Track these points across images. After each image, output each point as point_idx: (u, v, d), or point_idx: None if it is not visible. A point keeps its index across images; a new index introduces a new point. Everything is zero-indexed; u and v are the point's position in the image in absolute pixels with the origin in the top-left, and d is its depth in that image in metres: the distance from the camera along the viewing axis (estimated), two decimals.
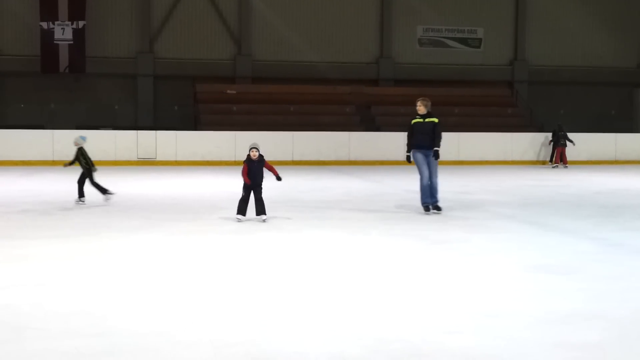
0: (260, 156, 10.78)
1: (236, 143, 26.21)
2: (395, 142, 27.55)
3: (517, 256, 8.13)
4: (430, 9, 34.26)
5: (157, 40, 32.31)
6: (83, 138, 13.65)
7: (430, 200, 11.95)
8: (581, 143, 28.08)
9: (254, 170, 10.71)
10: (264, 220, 10.63)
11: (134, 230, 10.08)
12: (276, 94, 31.22)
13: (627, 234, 9.88)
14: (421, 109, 12.08)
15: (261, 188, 10.85)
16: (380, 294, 6.33)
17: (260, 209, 10.75)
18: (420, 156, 11.97)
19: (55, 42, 30.61)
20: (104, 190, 13.32)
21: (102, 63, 31.43)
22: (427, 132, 11.92)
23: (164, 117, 31.75)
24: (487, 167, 26.30)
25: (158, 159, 25.95)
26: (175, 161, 25.90)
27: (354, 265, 7.58)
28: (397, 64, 34.11)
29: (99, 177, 13.76)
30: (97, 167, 13.54)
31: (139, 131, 26.71)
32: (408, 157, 12.23)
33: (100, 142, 25.97)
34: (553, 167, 26.09)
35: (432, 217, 11.72)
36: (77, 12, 30.75)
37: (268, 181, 11.35)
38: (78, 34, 30.78)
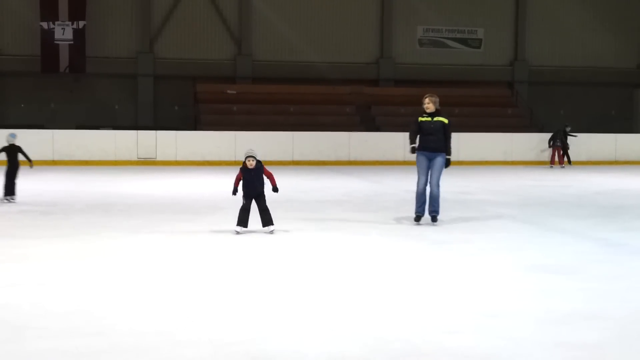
0: (258, 163, 9.60)
1: (236, 143, 26.20)
2: (395, 143, 27.59)
3: (517, 256, 8.13)
4: (431, 9, 34.24)
5: (157, 40, 32.31)
6: (12, 135, 13.94)
7: (422, 211, 10.72)
8: (581, 143, 28.09)
9: (250, 180, 9.58)
10: (271, 232, 9.56)
11: (134, 230, 10.09)
12: (276, 94, 31.21)
13: (627, 234, 9.89)
14: (429, 106, 10.69)
15: (264, 196, 9.66)
16: (380, 293, 6.34)
17: (267, 220, 9.62)
18: (422, 159, 10.67)
19: (55, 42, 30.60)
20: (9, 192, 13.35)
21: (103, 63, 31.43)
22: (435, 132, 10.58)
23: (164, 117, 31.75)
24: (487, 167, 26.30)
25: (158, 158, 25.95)
26: (176, 161, 25.90)
27: (354, 266, 7.58)
28: (397, 64, 34.11)
29: (38, 176, 13.77)
30: (34, 165, 14.16)
31: (139, 131, 26.70)
32: (413, 149, 10.72)
33: (100, 142, 25.98)
34: (550, 168, 26.16)
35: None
36: (77, 12, 30.75)
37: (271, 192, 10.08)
38: (78, 34, 30.78)
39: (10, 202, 13.34)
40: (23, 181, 18.54)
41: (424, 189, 10.66)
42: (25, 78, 31.18)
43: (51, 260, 7.76)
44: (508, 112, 32.93)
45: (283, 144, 26.80)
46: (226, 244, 8.90)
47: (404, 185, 17.90)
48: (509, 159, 28.40)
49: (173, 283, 6.68)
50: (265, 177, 9.65)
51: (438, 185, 10.64)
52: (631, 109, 36.14)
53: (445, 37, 34.67)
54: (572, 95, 35.20)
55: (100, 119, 30.94)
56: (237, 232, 9.48)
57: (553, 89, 35.02)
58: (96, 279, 6.84)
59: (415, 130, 10.72)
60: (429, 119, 10.69)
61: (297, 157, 26.93)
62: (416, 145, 10.67)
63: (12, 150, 13.73)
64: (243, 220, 9.53)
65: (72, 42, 30.69)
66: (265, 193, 9.66)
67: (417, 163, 10.79)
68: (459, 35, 34.74)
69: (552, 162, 26.86)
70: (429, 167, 10.65)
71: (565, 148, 26.98)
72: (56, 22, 30.57)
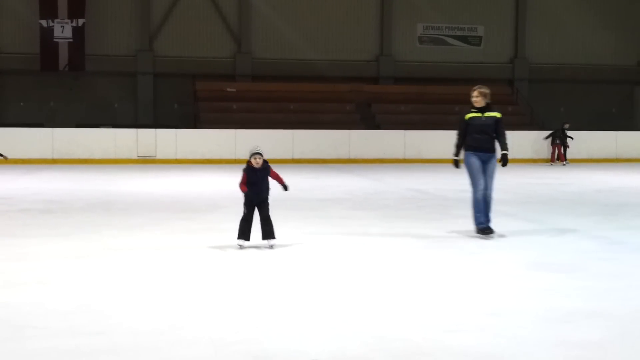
0: (265, 163, 8.40)
1: (236, 141, 26.19)
2: (395, 140, 27.59)
3: (518, 254, 8.12)
4: (430, 6, 34.23)
5: (156, 38, 32.29)
6: None
7: (488, 220, 9.34)
8: (582, 141, 28.10)
9: (256, 182, 8.34)
10: (271, 247, 8.37)
11: (134, 228, 10.08)
12: (276, 92, 31.21)
13: (628, 232, 9.87)
14: (478, 100, 9.40)
15: (268, 204, 8.41)
16: (380, 292, 6.32)
17: (268, 231, 8.36)
18: (475, 161, 9.32)
19: (54, 40, 30.59)
20: None
21: (102, 61, 31.40)
22: (487, 130, 9.36)
23: (164, 115, 31.74)
24: None
25: (158, 157, 25.94)
26: (175, 159, 25.89)
27: (354, 264, 7.57)
28: (397, 62, 34.09)
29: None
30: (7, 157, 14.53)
31: (139, 129, 26.70)
32: (456, 162, 9.58)
33: (100, 140, 25.97)
34: (550, 165, 26.16)
35: (434, 216, 11.69)
36: (76, 10, 30.73)
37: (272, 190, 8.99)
38: (78, 32, 30.76)
39: None
40: (23, 179, 18.55)
41: (483, 195, 9.27)
42: (24, 76, 31.16)
43: (51, 259, 7.75)
44: (508, 109, 32.87)
45: (283, 142, 26.79)
46: (226, 243, 8.88)
47: (405, 183, 17.89)
48: (509, 156, 28.35)
49: (173, 282, 6.67)
50: (271, 179, 8.56)
51: (491, 191, 9.46)
52: (631, 106, 36.13)
53: (445, 35, 34.65)
54: (573, 93, 35.18)
55: (99, 118, 30.93)
56: (241, 247, 8.34)
57: (553, 86, 35.01)
58: (97, 277, 6.83)
59: (462, 133, 9.41)
60: (479, 114, 9.41)
61: (297, 156, 26.92)
62: (459, 157, 9.47)
63: None
64: (245, 233, 8.37)
65: (71, 40, 30.67)
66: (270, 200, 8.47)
67: (468, 165, 9.36)
68: (459, 33, 34.72)
69: (552, 159, 26.88)
70: (483, 168, 9.38)
71: (564, 146, 27.00)
72: (55, 20, 30.55)
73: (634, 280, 6.80)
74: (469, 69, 34.34)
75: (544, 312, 5.60)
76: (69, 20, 30.61)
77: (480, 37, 34.90)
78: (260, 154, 8.40)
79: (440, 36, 34.64)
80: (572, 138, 27.62)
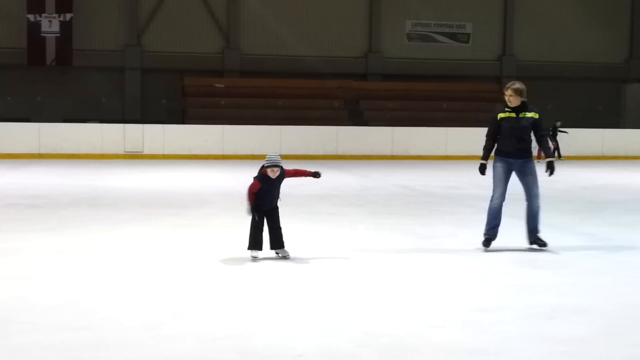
0: (282, 170, 7.62)
1: (224, 137, 26.15)
2: (383, 137, 27.62)
3: (505, 251, 8.16)
4: (419, 3, 34.26)
5: (145, 33, 32.18)
6: None
7: (494, 234, 8.34)
8: (568, 138, 28.19)
9: (269, 191, 7.58)
10: (285, 257, 7.55)
11: (121, 223, 10.05)
12: (264, 88, 31.18)
13: (614, 229, 9.94)
14: (513, 99, 8.19)
15: (278, 211, 7.69)
16: (367, 288, 6.34)
17: (277, 241, 7.58)
18: (501, 166, 8.28)
19: (42, 34, 30.41)
20: None
21: (90, 56, 31.26)
22: (522, 133, 8.18)
23: (152, 111, 31.64)
24: (475, 162, 26.25)
25: (145, 152, 25.85)
26: (163, 155, 25.81)
27: (341, 260, 7.58)
28: (386, 58, 34.12)
29: None
30: None
31: (126, 125, 26.61)
32: (483, 167, 8.42)
33: (87, 135, 25.87)
34: (538, 162, 26.23)
35: (420, 212, 11.71)
36: (64, 4, 30.56)
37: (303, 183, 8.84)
38: (65, 26, 30.59)
39: None
40: (10, 174, 18.45)
41: (500, 205, 8.28)
42: (11, 71, 30.96)
43: (37, 253, 7.72)
44: (496, 107, 32.89)
45: (271, 138, 26.75)
46: (214, 238, 8.88)
47: (392, 179, 17.93)
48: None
49: (160, 277, 6.66)
50: (291, 178, 7.82)
51: (539, 201, 8.37)
52: (619, 104, 36.31)
53: (434, 32, 34.70)
54: (560, 91, 35.31)
55: (87, 113, 30.78)
56: (254, 258, 7.45)
57: (541, 84, 35.08)
58: (83, 272, 6.81)
59: (493, 135, 8.36)
60: (513, 114, 8.22)
61: (285, 151, 26.88)
62: (487, 162, 8.35)
63: None
64: (258, 242, 7.51)
65: (58, 35, 30.51)
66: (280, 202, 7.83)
67: (493, 171, 8.36)
68: (447, 30, 34.78)
69: (539, 156, 26.95)
70: (509, 177, 8.34)
71: (556, 143, 27.11)
72: (43, 15, 30.38)
73: (618, 277, 6.85)
74: (457, 66, 34.41)
75: (529, 308, 5.64)
76: (56, 15, 30.45)
77: (468, 35, 34.97)
78: (279, 166, 7.54)
79: (428, 33, 34.69)
80: (567, 132, 27.74)
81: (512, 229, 9.95)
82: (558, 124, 27.63)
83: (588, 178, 19.04)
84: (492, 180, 8.34)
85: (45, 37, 30.43)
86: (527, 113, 8.19)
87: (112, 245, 8.30)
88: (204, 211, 11.50)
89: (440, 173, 20.26)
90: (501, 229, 9.84)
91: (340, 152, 27.17)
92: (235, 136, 26.33)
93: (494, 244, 8.32)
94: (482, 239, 8.29)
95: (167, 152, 25.95)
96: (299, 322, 5.24)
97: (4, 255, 7.62)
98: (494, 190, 8.32)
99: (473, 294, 6.12)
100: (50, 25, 30.43)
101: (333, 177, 18.25)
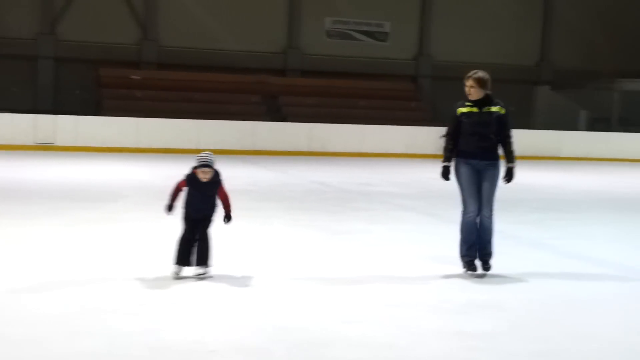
0: (216, 174, 6.57)
1: (139, 130, 25.71)
2: (301, 133, 27.68)
3: (417, 247, 8.30)
4: (339, 1, 34.48)
5: (59, 21, 31.30)
6: None
7: (474, 253, 6.94)
8: None
9: (198, 197, 6.50)
10: (199, 276, 6.38)
11: (32, 217, 9.75)
12: (182, 81, 30.81)
13: (522, 227, 10.23)
14: (474, 91, 7.06)
15: (209, 223, 6.59)
16: (280, 283, 6.35)
17: (201, 256, 6.46)
18: (467, 171, 6.92)
19: None
20: None
21: (0, 44, 30.22)
22: (485, 130, 6.93)
23: (65, 101, 30.81)
24: (390, 159, 26.70)
25: (57, 144, 25.15)
26: (76, 147, 25.18)
27: (256, 255, 7.57)
28: (305, 54, 34.20)
29: None
30: None
31: (38, 115, 25.84)
32: (446, 170, 7.00)
33: None
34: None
35: (336, 209, 11.78)
36: None
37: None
38: None
39: None
40: None
41: (474, 218, 6.92)
42: None
43: None
44: (412, 105, 33.51)
45: (188, 132, 26.45)
46: (127, 233, 8.73)
47: (309, 175, 17.99)
48: (412, 151, 28.93)
49: (70, 273, 6.51)
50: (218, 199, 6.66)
51: (491, 212, 7.01)
52: (529, 105, 37.39)
53: (353, 30, 34.99)
54: None
55: None
56: (177, 274, 6.38)
57: (456, 84, 35.58)
58: None
59: (453, 134, 7.01)
60: (475, 109, 7.02)
61: (202, 146, 26.59)
62: (450, 164, 6.99)
63: None
64: (184, 256, 6.43)
65: None
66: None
67: (458, 177, 6.95)
68: (366, 28, 35.12)
69: None
70: (478, 182, 6.95)
71: None
72: None
73: (525, 274, 7.06)
74: (375, 65, 34.78)
75: (441, 304, 5.76)
76: None
77: (386, 33, 35.39)
78: (209, 166, 6.46)
79: (347, 31, 34.95)
80: None
81: (425, 227, 10.14)
82: None
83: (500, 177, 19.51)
84: (457, 188, 6.99)
85: None
86: (491, 107, 7.00)
87: (21, 240, 8.06)
88: (118, 205, 11.29)
89: (356, 170, 20.45)
90: (414, 227, 10.00)
91: (257, 148, 27.08)
92: (151, 129, 25.90)
93: (408, 240, 8.43)
94: (463, 264, 6.90)
95: (80, 144, 25.31)
96: (211, 317, 5.21)
97: None
98: (465, 202, 6.91)
99: (386, 290, 6.20)
100: None
101: (250, 173, 18.19)
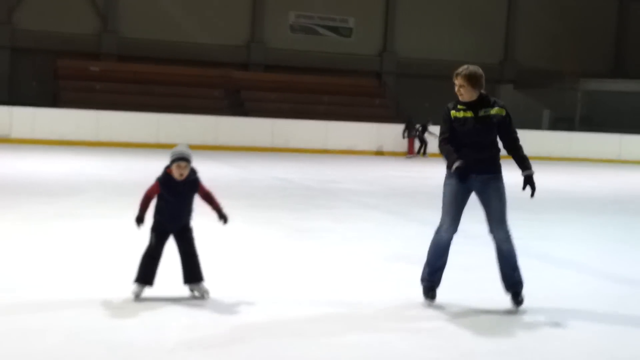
0: (192, 173, 5.67)
1: (98, 123, 25.36)
2: (263, 129, 27.55)
3: (379, 246, 8.26)
4: None
5: (16, 10, 30.74)
6: None
7: (436, 278, 5.85)
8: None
9: (173, 202, 5.56)
10: (202, 296, 5.55)
11: None
12: (142, 74, 30.48)
13: (483, 226, 10.22)
14: (465, 91, 5.77)
15: (191, 232, 5.73)
16: (239, 282, 6.27)
17: (194, 272, 5.59)
18: (454, 188, 5.70)
19: None
20: None
21: None
22: (483, 138, 5.65)
23: (21, 93, 30.28)
24: (354, 156, 26.71)
25: (13, 136, 24.71)
26: (32, 139, 24.76)
27: (215, 253, 7.47)
28: (268, 49, 34.06)
29: None
30: None
31: None
32: (462, 169, 5.54)
33: None
34: (407, 158, 26.98)
35: (298, 206, 11.70)
36: None
37: (202, 217, 6.45)
38: None
39: None
40: None
41: (449, 240, 5.89)
42: None
43: None
44: (376, 102, 33.58)
45: (148, 126, 26.18)
46: (85, 228, 8.56)
47: (272, 172, 17.90)
48: (375, 149, 28.98)
49: (26, 268, 6.36)
50: (200, 199, 5.87)
51: (507, 232, 5.83)
52: None
53: (317, 25, 34.95)
54: (438, 88, 36.25)
55: None
56: (137, 296, 5.43)
57: (420, 81, 35.99)
58: None
59: (449, 130, 5.71)
60: (470, 113, 5.71)
61: (162, 140, 26.36)
62: (460, 163, 5.49)
63: None
64: (148, 275, 5.47)
65: None
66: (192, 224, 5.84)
67: (443, 189, 5.80)
68: (330, 24, 35.11)
69: (409, 152, 27.75)
70: (464, 200, 5.80)
71: (423, 141, 27.80)
72: None
73: (486, 273, 7.05)
74: (339, 60, 34.78)
75: (401, 303, 5.73)
76: None
77: (351, 29, 35.42)
78: (187, 159, 5.52)
79: (312, 25, 34.90)
80: (435, 135, 28.45)
81: (388, 225, 10.11)
82: (429, 122, 28.26)
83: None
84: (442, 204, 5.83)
85: None
86: (489, 109, 5.71)
87: None
88: (76, 200, 11.09)
89: (319, 167, 20.41)
90: (376, 225, 9.96)
91: (219, 143, 26.89)
92: (111, 122, 25.57)
93: (370, 238, 8.37)
94: (423, 289, 5.82)
95: (37, 136, 24.90)
96: (170, 316, 5.11)
97: None
98: (441, 218, 5.83)
99: (347, 288, 6.16)
100: None
101: (211, 168, 18.03)
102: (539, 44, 37.76)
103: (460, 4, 36.77)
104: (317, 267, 7.00)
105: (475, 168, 5.61)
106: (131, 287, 5.46)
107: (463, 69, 5.80)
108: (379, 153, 28.26)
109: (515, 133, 5.75)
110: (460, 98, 5.74)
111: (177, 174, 5.47)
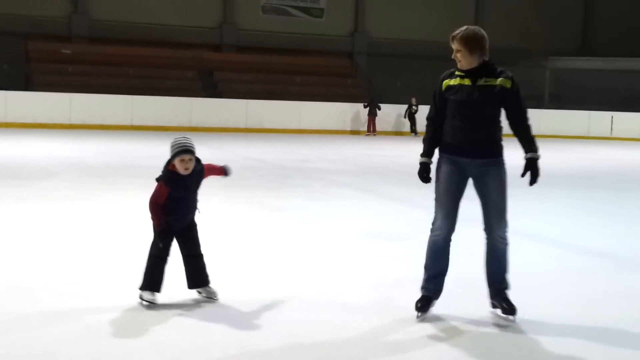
0: (197, 162, 5.14)
1: (71, 105, 25.17)
2: (237, 110, 27.53)
3: (353, 223, 8.37)
4: None
5: None
6: None
7: (435, 288, 5.02)
8: (418, 117, 29.04)
9: (182, 198, 5.00)
10: (209, 297, 5.07)
11: None
12: (115, 56, 30.23)
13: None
14: (462, 56, 4.80)
15: (195, 229, 5.17)
16: (216, 260, 6.34)
17: (197, 275, 5.07)
18: (448, 173, 4.88)
19: None
20: None
21: None
22: (479, 113, 4.75)
23: None
24: (326, 136, 26.79)
25: None
26: (5, 123, 24.55)
27: (202, 234, 7.52)
28: (240, 30, 33.91)
29: None
30: None
31: None
32: (424, 168, 4.92)
33: None
34: (366, 136, 27.54)
35: (273, 185, 11.77)
36: None
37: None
38: None
39: None
40: None
41: (446, 238, 5.00)
42: None
43: None
44: (348, 82, 33.63)
45: (122, 108, 26.06)
46: (58, 211, 8.57)
47: (246, 152, 17.94)
48: (348, 128, 29.09)
49: (1, 250, 6.37)
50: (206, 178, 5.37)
51: (506, 230, 4.89)
52: None
53: (288, 5, 34.84)
54: (409, 68, 36.40)
55: None
56: (149, 304, 4.86)
57: (391, 61, 36.05)
58: None
59: (436, 117, 4.94)
60: (466, 81, 4.80)
61: (136, 122, 26.27)
62: (430, 160, 4.96)
63: None
64: (156, 279, 4.90)
65: None
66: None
67: (436, 178, 4.93)
68: (301, 4, 35.01)
69: (368, 130, 28.27)
70: (460, 189, 4.95)
71: (413, 120, 28.44)
72: None
73: (460, 248, 7.18)
74: (310, 41, 34.73)
75: (375, 279, 5.84)
76: None
77: (322, 10, 35.35)
78: (191, 151, 4.99)
79: (283, 6, 34.78)
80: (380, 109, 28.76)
81: (362, 203, 10.22)
82: (413, 100, 28.57)
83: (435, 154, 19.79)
84: (435, 196, 4.98)
85: None
86: (490, 79, 4.75)
87: None
88: (49, 183, 11.07)
89: (292, 146, 20.47)
90: (350, 203, 10.07)
91: (193, 124, 26.85)
92: (83, 105, 25.40)
93: (344, 216, 8.47)
94: (420, 297, 4.97)
95: (9, 119, 24.70)
96: (170, 316, 5.16)
97: None
98: (435, 214, 4.98)
99: (322, 265, 6.25)
100: None
101: None
102: (508, 23, 37.94)
103: None
104: (294, 244, 7.09)
105: (469, 148, 4.74)
106: (139, 294, 4.91)
107: (460, 30, 4.86)
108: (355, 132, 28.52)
109: (524, 110, 4.80)
110: (459, 65, 4.81)
111: (182, 168, 4.86)
